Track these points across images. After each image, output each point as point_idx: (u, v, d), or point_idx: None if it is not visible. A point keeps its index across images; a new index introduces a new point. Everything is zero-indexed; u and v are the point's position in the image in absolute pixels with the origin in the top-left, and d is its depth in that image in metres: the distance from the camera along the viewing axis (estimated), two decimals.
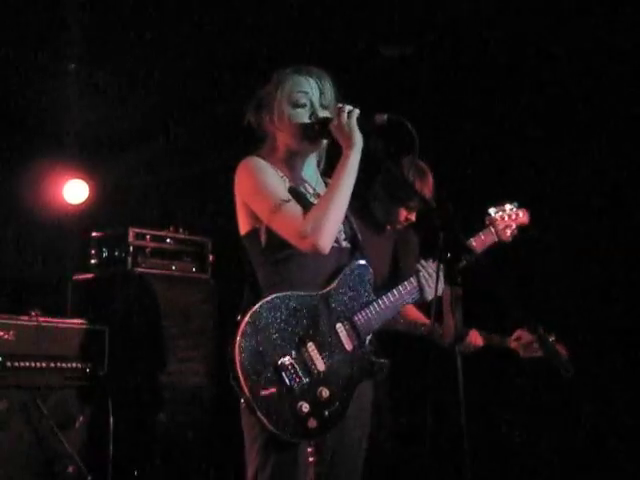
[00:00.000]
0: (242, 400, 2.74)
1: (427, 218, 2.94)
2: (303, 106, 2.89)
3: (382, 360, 2.96)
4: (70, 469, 4.91)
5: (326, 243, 2.77)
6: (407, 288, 3.03)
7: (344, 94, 2.95)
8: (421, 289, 3.02)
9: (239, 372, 2.70)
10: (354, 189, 2.83)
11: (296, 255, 2.84)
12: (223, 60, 5.52)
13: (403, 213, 4.27)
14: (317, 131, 2.87)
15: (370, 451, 3.04)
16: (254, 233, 2.88)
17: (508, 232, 3.53)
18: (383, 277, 4.25)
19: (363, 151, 2.80)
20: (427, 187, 4.15)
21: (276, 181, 2.85)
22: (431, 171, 4.18)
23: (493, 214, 3.52)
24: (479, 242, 3.37)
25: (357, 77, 4.95)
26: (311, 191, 2.96)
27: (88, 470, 4.95)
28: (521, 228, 3.60)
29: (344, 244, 2.97)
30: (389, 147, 2.85)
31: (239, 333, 2.72)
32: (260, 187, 2.84)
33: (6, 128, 6.30)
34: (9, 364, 4.86)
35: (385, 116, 2.78)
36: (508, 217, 3.54)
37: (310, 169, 3.01)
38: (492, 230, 3.45)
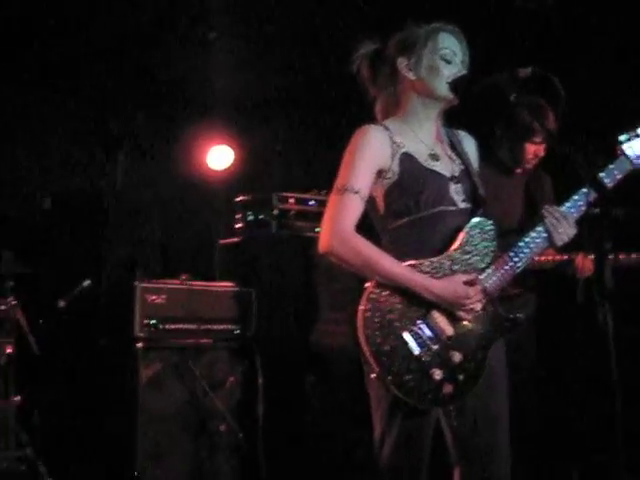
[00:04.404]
0: (372, 374, 2.73)
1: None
2: (449, 62, 2.87)
3: (516, 315, 2.90)
4: (222, 428, 5.04)
5: (331, 257, 2.78)
6: (534, 237, 2.91)
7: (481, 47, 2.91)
8: (549, 236, 2.92)
9: (364, 342, 2.70)
10: (478, 136, 2.78)
11: (415, 222, 2.81)
12: (362, 23, 5.48)
13: (530, 149, 4.20)
14: (456, 87, 2.84)
15: (516, 409, 2.99)
16: (372, 200, 2.87)
17: None
18: (517, 221, 4.19)
19: (484, 97, 2.77)
20: (548, 122, 4.04)
21: (368, 165, 2.82)
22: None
23: (625, 141, 3.29)
24: (613, 178, 3.01)
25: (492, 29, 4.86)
26: (427, 152, 2.91)
27: (239, 429, 5.07)
28: None
29: (462, 205, 2.90)
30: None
31: (363, 303, 2.72)
32: (349, 161, 2.83)
33: (152, 97, 6.47)
34: (162, 327, 5.00)
35: (529, 69, 2.72)
36: None
37: (430, 128, 2.97)
38: (625, 159, 3.20)
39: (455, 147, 3.00)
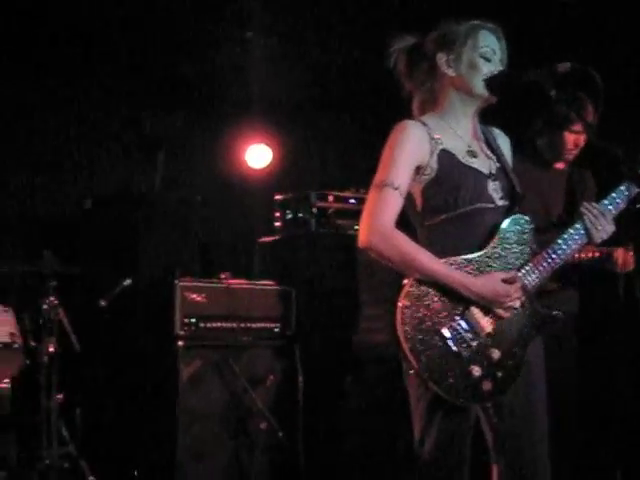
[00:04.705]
0: (411, 371, 2.72)
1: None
2: (488, 60, 2.86)
3: (555, 312, 2.88)
4: (262, 426, 5.05)
5: (370, 252, 2.77)
6: (572, 234, 2.89)
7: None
8: (588, 233, 2.89)
9: (403, 339, 2.68)
10: (518, 132, 2.76)
11: (453, 219, 2.80)
12: (401, 21, 5.47)
13: (570, 138, 4.17)
14: (495, 85, 2.83)
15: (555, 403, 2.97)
16: (409, 197, 2.85)
17: None
18: (557, 217, 4.17)
19: (523, 93, 2.75)
20: (587, 114, 4.00)
21: (407, 161, 2.80)
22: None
23: None
24: None
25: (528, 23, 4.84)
26: (465, 149, 2.89)
27: (279, 427, 5.08)
28: None
29: (500, 202, 2.88)
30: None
31: (401, 300, 2.71)
32: (388, 157, 2.81)
33: (191, 97, 6.50)
34: (202, 325, 5.04)
35: (568, 64, 2.71)
36: None
37: (467, 125, 2.95)
38: None
39: (491, 144, 2.99)
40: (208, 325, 5.06)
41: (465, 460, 2.80)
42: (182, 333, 4.95)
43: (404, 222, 2.87)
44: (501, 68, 2.87)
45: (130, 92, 6.45)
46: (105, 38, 5.73)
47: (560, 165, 4.31)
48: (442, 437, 2.75)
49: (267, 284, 5.37)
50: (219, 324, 5.11)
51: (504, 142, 3.07)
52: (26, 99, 6.15)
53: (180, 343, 4.93)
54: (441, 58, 2.89)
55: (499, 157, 2.98)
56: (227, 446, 5.00)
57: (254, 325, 5.23)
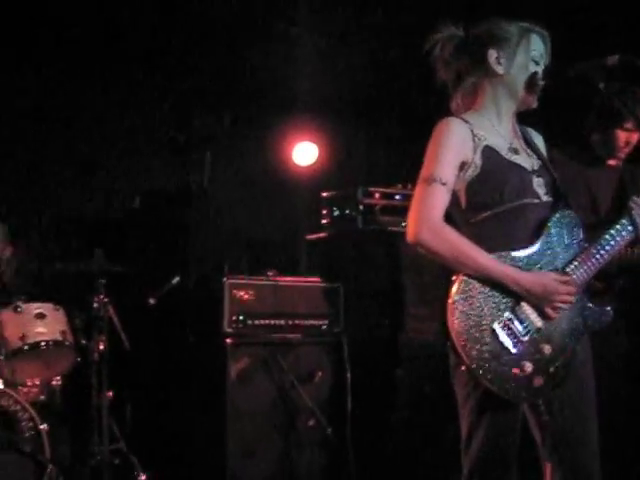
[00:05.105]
0: (462, 367, 2.71)
1: None
2: (537, 64, 2.86)
3: (605, 308, 2.85)
4: (311, 422, 5.07)
5: (419, 247, 2.75)
6: (619, 229, 2.86)
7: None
8: (636, 227, 2.86)
9: (454, 336, 2.67)
10: (570, 128, 2.74)
11: (498, 215, 2.78)
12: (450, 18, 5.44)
13: (622, 136, 4.12)
14: (540, 88, 2.85)
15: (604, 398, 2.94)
16: (453, 193, 2.82)
17: None
18: (605, 212, 4.12)
19: (573, 87, 2.73)
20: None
21: (452, 157, 2.79)
22: None
23: None
24: None
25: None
26: (507, 146, 2.87)
27: (328, 423, 5.09)
28: None
29: (545, 198, 2.86)
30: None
31: (452, 296, 2.69)
32: (433, 153, 2.80)
33: (238, 95, 6.53)
34: (250, 322, 5.06)
35: (616, 57, 2.70)
36: None
37: (508, 122, 2.94)
38: None
39: (530, 142, 2.98)
40: (256, 322, 5.08)
41: (514, 458, 2.79)
42: (230, 331, 4.98)
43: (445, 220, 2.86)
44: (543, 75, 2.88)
45: (178, 91, 6.50)
46: (153, 38, 5.77)
47: (613, 162, 4.25)
48: (491, 435, 2.74)
49: (314, 281, 5.38)
50: (267, 321, 5.13)
51: (540, 141, 3.06)
52: (77, 99, 6.23)
53: (228, 341, 4.95)
54: (492, 55, 2.88)
55: (539, 154, 2.97)
56: (276, 443, 5.02)
57: (302, 322, 5.24)
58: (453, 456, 2.96)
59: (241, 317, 5.03)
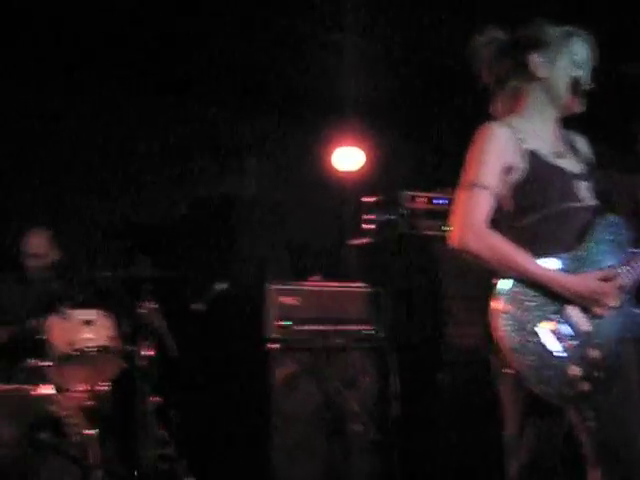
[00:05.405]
0: (507, 371, 2.69)
1: None
2: (580, 69, 2.86)
3: None
4: (356, 428, 5.06)
5: (464, 253, 2.74)
6: None
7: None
8: None
9: (500, 339, 2.66)
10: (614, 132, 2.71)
11: (543, 219, 2.77)
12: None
13: None
14: (584, 93, 2.84)
15: None
16: (497, 199, 2.82)
17: None
18: None
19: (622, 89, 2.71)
20: None
21: (495, 162, 2.78)
22: None
23: None
24: None
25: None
26: (551, 150, 2.87)
27: (373, 428, 5.08)
28: None
29: (590, 202, 2.85)
30: None
31: (497, 301, 2.69)
32: (476, 158, 2.80)
33: (281, 101, 6.56)
34: (296, 328, 5.06)
35: None
36: None
37: (551, 127, 2.93)
38: None
39: (573, 146, 2.95)
40: (301, 328, 5.09)
41: (558, 464, 2.77)
42: (275, 336, 4.99)
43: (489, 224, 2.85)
44: (588, 80, 2.87)
45: (222, 98, 6.55)
46: (199, 46, 5.82)
47: None
48: (536, 441, 2.73)
49: (358, 286, 5.38)
50: (312, 327, 5.13)
51: (584, 145, 3.05)
52: (123, 108, 6.30)
53: (273, 346, 4.97)
54: (534, 59, 2.87)
55: (584, 158, 2.95)
56: (322, 448, 5.02)
57: (346, 327, 5.24)
58: (498, 461, 2.95)
59: (286, 323, 5.04)
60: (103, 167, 6.26)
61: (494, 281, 2.74)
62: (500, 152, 2.80)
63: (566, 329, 2.70)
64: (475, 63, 2.97)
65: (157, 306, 5.06)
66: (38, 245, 5.46)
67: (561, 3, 4.62)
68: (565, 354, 2.68)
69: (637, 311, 2.81)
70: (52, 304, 5.07)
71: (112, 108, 6.27)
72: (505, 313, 2.67)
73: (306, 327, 5.11)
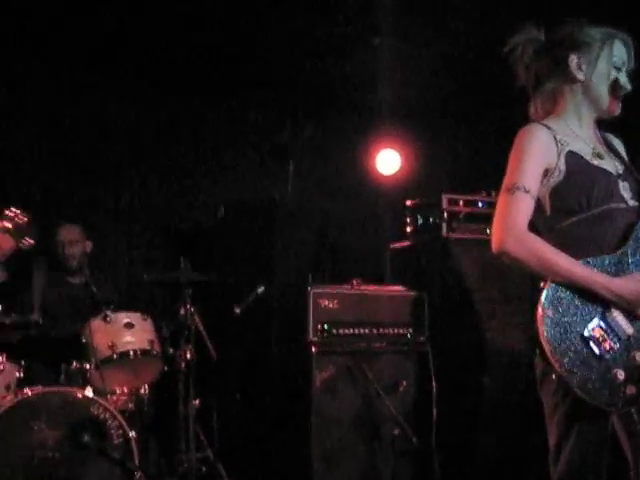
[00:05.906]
0: (552, 375, 2.66)
1: None
2: (619, 71, 2.84)
3: None
4: (396, 432, 5.04)
5: (505, 257, 2.72)
6: None
7: None
8: None
9: (544, 344, 2.63)
10: None
11: (585, 220, 2.74)
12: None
13: None
14: (623, 95, 2.82)
15: None
16: (537, 201, 2.80)
17: None
18: None
19: None
20: None
21: (536, 164, 2.76)
22: None
23: None
24: None
25: None
26: (590, 151, 2.84)
27: (413, 433, 5.06)
28: None
29: (631, 203, 2.81)
30: None
31: (540, 304, 2.66)
32: (516, 161, 2.78)
33: (320, 104, 6.56)
34: (335, 331, 5.06)
35: None
36: None
37: (589, 128, 2.91)
38: None
39: (611, 148, 2.92)
40: (341, 331, 5.09)
41: (604, 469, 2.73)
42: (315, 339, 5.00)
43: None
44: (628, 83, 2.85)
45: (261, 102, 6.57)
46: (243, 49, 5.84)
47: None
48: (581, 446, 2.69)
49: (399, 290, 5.36)
50: (352, 330, 5.13)
51: (620, 146, 3.02)
52: (166, 111, 6.34)
53: (313, 349, 4.97)
54: (573, 60, 2.84)
55: (622, 159, 2.93)
56: (361, 452, 5.01)
57: (387, 331, 5.23)
58: (540, 467, 2.92)
59: (326, 326, 5.04)
60: (145, 171, 6.30)
61: (538, 285, 2.72)
62: (540, 154, 2.78)
63: (611, 332, 2.67)
64: (513, 64, 2.95)
65: (197, 309, 5.08)
66: (72, 233, 5.52)
67: (598, 4, 4.57)
68: (610, 357, 2.65)
69: None
70: (94, 307, 5.11)
71: (154, 110, 6.31)
72: (549, 316, 2.64)
73: (346, 330, 5.11)
